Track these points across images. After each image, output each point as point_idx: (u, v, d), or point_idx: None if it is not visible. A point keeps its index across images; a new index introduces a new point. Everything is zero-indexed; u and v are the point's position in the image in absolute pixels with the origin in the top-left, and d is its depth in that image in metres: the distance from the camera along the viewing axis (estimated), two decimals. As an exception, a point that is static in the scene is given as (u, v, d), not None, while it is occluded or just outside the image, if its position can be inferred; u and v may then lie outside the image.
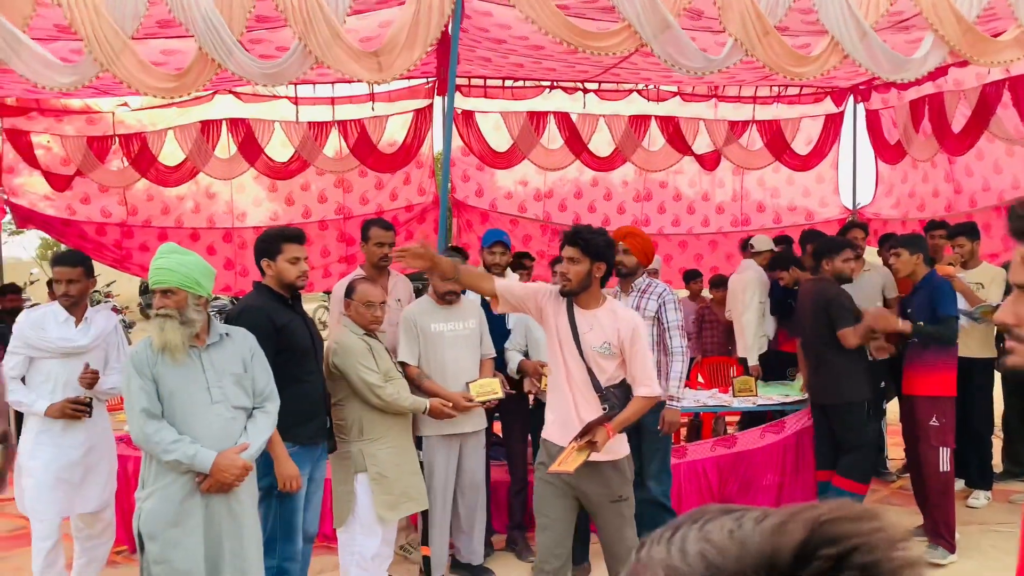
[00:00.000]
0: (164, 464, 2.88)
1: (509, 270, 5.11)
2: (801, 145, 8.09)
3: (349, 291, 3.83)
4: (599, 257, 3.19)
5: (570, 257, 3.20)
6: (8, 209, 7.12)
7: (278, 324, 3.43)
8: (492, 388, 4.18)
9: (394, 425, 3.77)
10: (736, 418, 6.48)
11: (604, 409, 3.16)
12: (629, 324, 3.22)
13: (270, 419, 3.13)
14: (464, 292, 4.27)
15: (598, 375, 3.21)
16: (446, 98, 5.60)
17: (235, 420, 3.01)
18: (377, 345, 3.82)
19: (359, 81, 4.92)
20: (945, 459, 4.39)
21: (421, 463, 4.16)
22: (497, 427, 4.95)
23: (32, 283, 16.77)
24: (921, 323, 4.42)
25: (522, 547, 4.64)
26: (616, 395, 3.20)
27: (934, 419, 4.38)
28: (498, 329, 4.58)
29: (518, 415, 4.67)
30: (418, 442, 4.19)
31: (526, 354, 4.59)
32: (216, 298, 17.12)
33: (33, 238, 33.28)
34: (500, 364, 4.51)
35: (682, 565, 0.50)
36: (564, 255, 3.24)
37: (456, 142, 7.83)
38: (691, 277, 7.10)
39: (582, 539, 4.43)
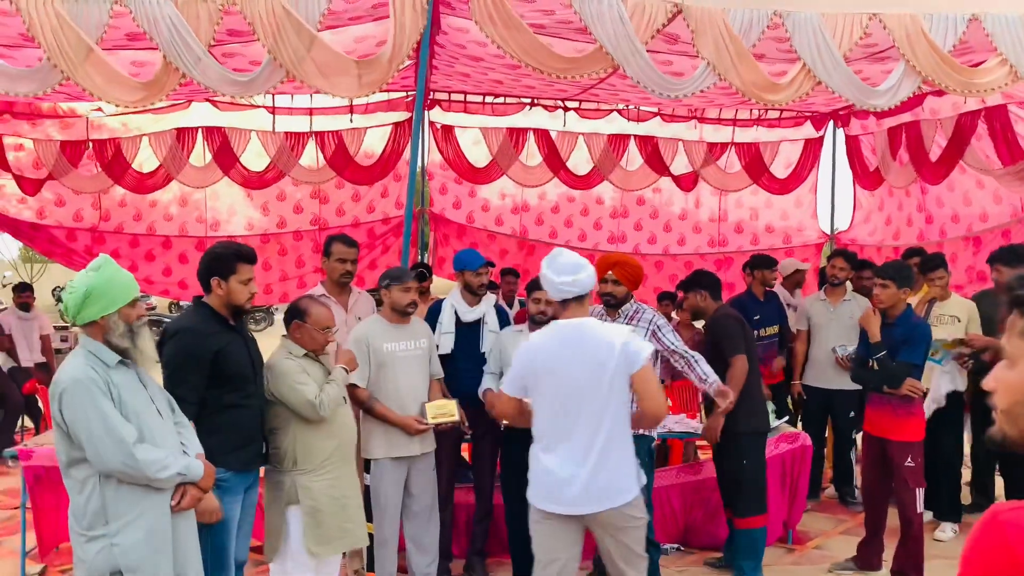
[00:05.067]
0: (154, 483, 2.63)
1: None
2: (780, 168, 8.08)
3: (300, 313, 3.55)
4: None
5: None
6: (-24, 212, 7.03)
7: (214, 348, 3.23)
8: (448, 411, 4.05)
9: (333, 454, 3.53)
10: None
11: None
12: None
13: (193, 432, 2.97)
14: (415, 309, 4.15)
15: None
16: (414, 112, 5.58)
17: (175, 434, 2.85)
18: (313, 366, 3.57)
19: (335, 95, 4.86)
20: (920, 499, 4.44)
21: (367, 487, 4.03)
22: (468, 448, 4.86)
23: (4, 286, 16.46)
24: (886, 354, 4.36)
25: (479, 574, 4.55)
26: None
27: (909, 460, 4.42)
28: (474, 353, 4.48)
29: (488, 439, 4.51)
30: (366, 464, 4.07)
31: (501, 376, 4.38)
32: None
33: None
34: (473, 385, 4.35)
35: None
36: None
37: (435, 156, 7.80)
38: (662, 299, 7.03)
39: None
